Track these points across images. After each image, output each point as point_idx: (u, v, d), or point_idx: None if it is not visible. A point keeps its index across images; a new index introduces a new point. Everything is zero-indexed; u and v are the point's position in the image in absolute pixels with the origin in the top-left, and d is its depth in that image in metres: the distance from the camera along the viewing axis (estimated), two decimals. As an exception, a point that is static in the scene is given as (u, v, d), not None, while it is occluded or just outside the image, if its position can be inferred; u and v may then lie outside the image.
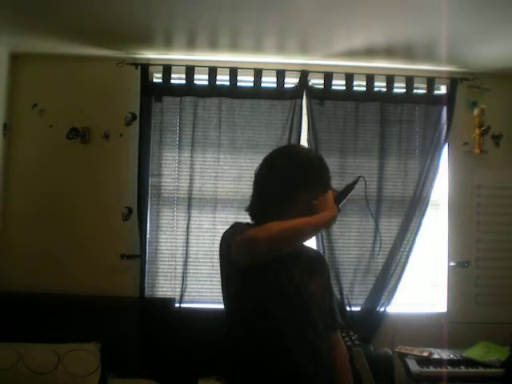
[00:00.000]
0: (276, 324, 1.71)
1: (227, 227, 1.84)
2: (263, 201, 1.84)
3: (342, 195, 1.84)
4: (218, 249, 1.83)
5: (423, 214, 3.56)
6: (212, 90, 3.53)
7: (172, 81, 3.54)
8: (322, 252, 3.49)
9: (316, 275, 1.88)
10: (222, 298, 1.86)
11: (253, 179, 1.90)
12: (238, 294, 1.77)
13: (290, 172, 1.79)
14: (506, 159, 3.69)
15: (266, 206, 1.82)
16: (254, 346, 1.72)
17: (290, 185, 1.79)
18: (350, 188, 1.86)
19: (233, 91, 3.53)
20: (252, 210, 1.87)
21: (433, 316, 3.59)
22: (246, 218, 1.91)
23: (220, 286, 1.87)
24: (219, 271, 1.85)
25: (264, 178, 1.86)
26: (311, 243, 3.50)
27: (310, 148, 1.94)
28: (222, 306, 1.87)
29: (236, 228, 1.79)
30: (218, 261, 1.84)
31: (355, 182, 1.86)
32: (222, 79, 3.52)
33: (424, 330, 3.43)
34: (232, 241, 1.67)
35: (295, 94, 3.55)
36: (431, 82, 3.60)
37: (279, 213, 1.74)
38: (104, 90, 3.58)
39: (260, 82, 3.52)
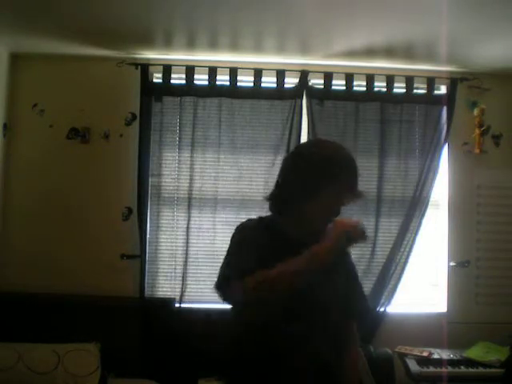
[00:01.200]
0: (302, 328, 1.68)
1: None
2: (286, 190, 1.78)
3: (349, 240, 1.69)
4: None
5: (423, 214, 3.55)
6: (212, 89, 3.53)
7: (172, 81, 3.54)
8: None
9: None
10: None
11: (280, 166, 1.85)
12: None
13: (313, 167, 1.72)
14: (505, 159, 3.69)
15: (288, 196, 1.77)
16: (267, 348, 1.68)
17: (311, 179, 1.72)
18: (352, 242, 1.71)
19: (233, 91, 3.53)
20: (274, 198, 1.82)
21: (433, 316, 3.59)
22: (245, 219, 1.87)
23: None
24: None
25: (289, 168, 1.81)
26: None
27: (342, 146, 1.86)
28: (221, 306, 1.79)
29: (241, 236, 1.76)
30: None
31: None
32: (222, 79, 3.52)
33: (424, 329, 3.43)
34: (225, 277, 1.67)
35: (295, 94, 3.55)
36: (431, 82, 3.60)
37: (300, 205, 1.73)
38: (104, 90, 3.58)
39: (260, 82, 3.52)
